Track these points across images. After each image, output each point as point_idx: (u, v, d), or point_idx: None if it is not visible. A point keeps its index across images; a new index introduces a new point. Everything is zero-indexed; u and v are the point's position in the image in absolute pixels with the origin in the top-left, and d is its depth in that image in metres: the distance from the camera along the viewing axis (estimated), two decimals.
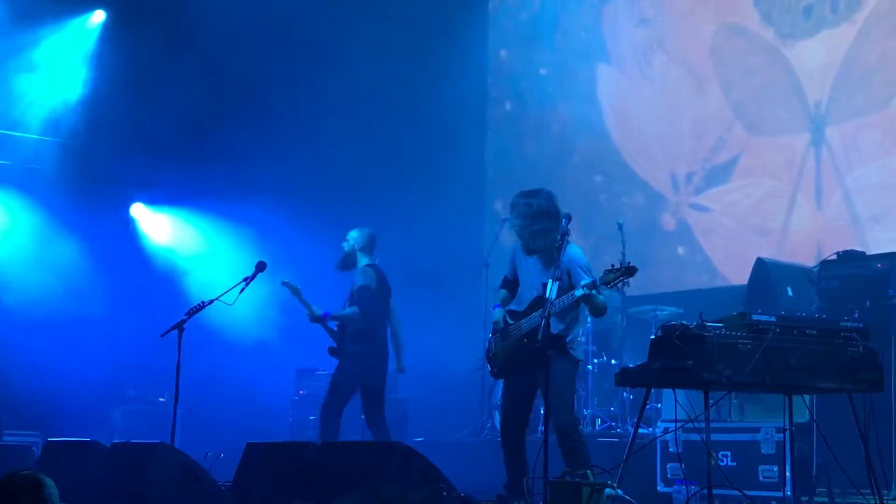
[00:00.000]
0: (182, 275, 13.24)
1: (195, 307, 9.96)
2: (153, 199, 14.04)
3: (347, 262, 10.25)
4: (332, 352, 10.11)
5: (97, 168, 13.18)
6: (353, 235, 10.25)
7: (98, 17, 13.57)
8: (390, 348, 10.04)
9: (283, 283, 10.21)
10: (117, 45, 13.19)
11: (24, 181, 13.05)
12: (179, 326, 9.74)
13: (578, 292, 7.40)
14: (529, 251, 7.84)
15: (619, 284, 7.43)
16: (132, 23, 13.21)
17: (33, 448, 10.20)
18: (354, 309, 9.96)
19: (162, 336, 10.22)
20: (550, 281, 7.31)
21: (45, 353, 12.30)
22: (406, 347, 10.18)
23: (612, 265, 7.33)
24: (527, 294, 7.89)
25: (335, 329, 10.11)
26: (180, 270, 13.23)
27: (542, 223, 7.69)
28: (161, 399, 12.59)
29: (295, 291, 10.17)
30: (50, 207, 13.11)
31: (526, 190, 8.03)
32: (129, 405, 13.18)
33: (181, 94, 13.09)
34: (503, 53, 14.93)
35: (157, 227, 14.14)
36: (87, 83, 13.18)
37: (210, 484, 8.27)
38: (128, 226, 14.03)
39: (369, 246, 10.20)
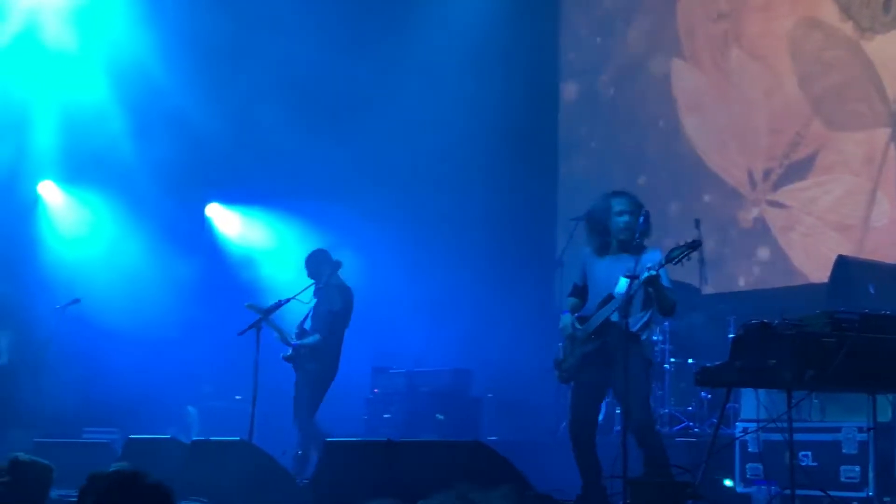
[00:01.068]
0: (258, 273, 13.34)
1: (272, 306, 10.07)
2: (229, 199, 14.16)
3: (319, 284, 10.56)
4: (287, 359, 10.37)
5: (175, 168, 13.32)
6: (311, 260, 10.65)
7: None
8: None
9: (248, 307, 10.43)
10: (193, 47, 13.33)
11: (104, 182, 13.23)
12: (257, 325, 9.85)
13: (644, 274, 7.25)
14: (618, 249, 7.71)
15: (685, 259, 7.27)
16: (205, 28, 13.35)
17: (114, 445, 10.31)
18: (316, 337, 10.38)
19: (240, 334, 10.33)
20: (624, 279, 7.24)
21: (122, 350, 12.46)
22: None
23: (678, 242, 7.23)
24: (598, 296, 7.80)
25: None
26: (256, 269, 13.32)
27: (637, 221, 7.60)
28: (237, 397, 12.67)
29: (261, 312, 10.30)
30: (128, 207, 13.28)
31: (617, 189, 7.97)
32: (206, 402, 13.30)
33: (255, 97, 13.25)
34: (575, 50, 14.85)
35: (233, 226, 14.26)
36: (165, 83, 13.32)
37: (288, 481, 8.34)
38: (203, 225, 14.17)
39: (328, 265, 10.53)
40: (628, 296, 7.16)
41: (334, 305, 10.37)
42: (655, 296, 7.47)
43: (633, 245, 7.52)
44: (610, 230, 7.75)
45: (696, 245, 7.13)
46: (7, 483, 5.23)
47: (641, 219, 7.50)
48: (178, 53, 13.23)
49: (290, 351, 10.40)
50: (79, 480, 4.82)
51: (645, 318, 7.61)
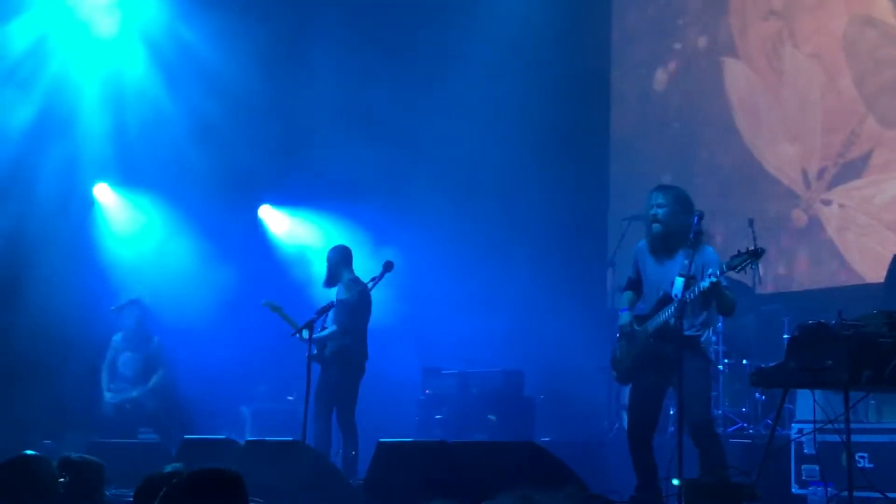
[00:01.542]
0: (309, 275, 13.39)
1: (324, 307, 10.11)
2: (281, 201, 14.23)
3: (332, 279, 10.55)
4: (312, 359, 10.24)
5: (228, 171, 13.43)
6: (330, 255, 10.65)
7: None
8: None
9: (264, 304, 10.73)
10: (249, 51, 13.44)
11: (158, 184, 13.35)
12: (309, 326, 9.89)
13: (706, 282, 7.22)
14: (668, 247, 7.67)
15: (748, 269, 7.23)
16: (261, 34, 13.46)
17: (168, 445, 10.38)
18: (333, 328, 10.35)
19: (292, 336, 10.38)
20: (679, 278, 7.20)
21: (175, 351, 12.55)
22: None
23: (739, 250, 7.18)
24: (652, 294, 7.75)
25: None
26: (307, 270, 13.36)
27: (686, 217, 7.55)
28: (289, 398, 12.74)
29: (276, 310, 10.58)
30: (181, 209, 13.39)
31: (663, 184, 7.92)
32: (259, 403, 13.37)
33: (307, 102, 13.34)
34: (627, 48, 14.79)
35: (285, 228, 14.33)
36: (217, 87, 13.42)
37: (342, 482, 8.36)
38: (256, 226, 14.25)
39: (346, 260, 10.54)
40: (684, 298, 7.11)
41: (349, 298, 10.36)
42: (716, 300, 7.42)
43: (684, 243, 7.47)
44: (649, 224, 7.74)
45: (759, 253, 7.07)
46: (62, 483, 5.29)
47: (696, 218, 7.45)
48: (234, 58, 13.33)
49: (314, 350, 10.39)
50: (133, 480, 4.88)
51: (702, 319, 7.56)
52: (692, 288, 7.21)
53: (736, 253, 7.15)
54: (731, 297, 7.47)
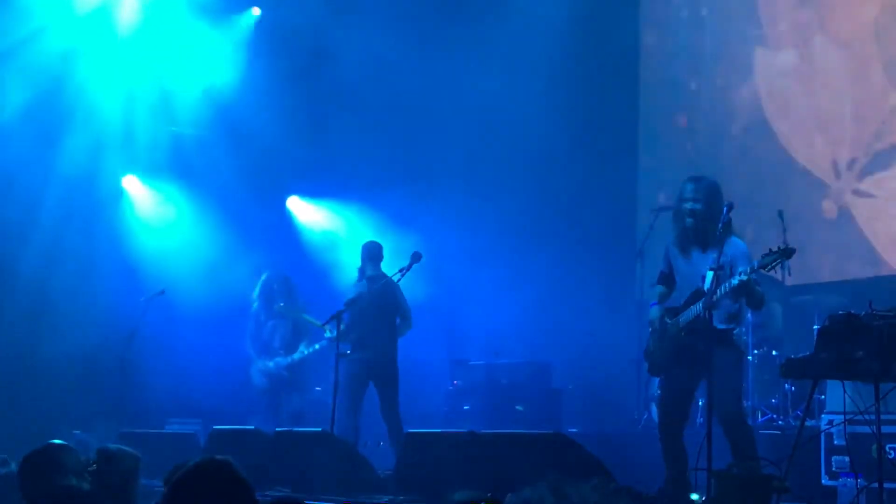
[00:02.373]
0: (338, 266, 13.41)
1: (353, 298, 10.11)
2: (309, 191, 14.26)
3: (360, 274, 10.66)
4: (341, 356, 10.26)
5: (256, 162, 13.47)
6: (361, 252, 10.74)
7: (254, 12, 13.87)
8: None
9: (279, 308, 11.11)
10: (270, 43, 13.48)
11: (186, 176, 13.40)
12: (338, 317, 9.89)
13: (735, 280, 7.19)
14: (700, 240, 7.62)
15: (778, 267, 7.19)
16: (282, 24, 13.50)
17: (197, 436, 10.43)
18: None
19: (322, 326, 10.41)
20: (710, 272, 7.17)
21: (205, 342, 12.60)
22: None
23: (770, 248, 7.13)
24: (685, 288, 7.73)
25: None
26: (337, 261, 13.38)
27: (717, 209, 7.50)
28: (317, 388, 12.76)
29: (290, 313, 10.92)
30: (210, 199, 13.43)
31: (693, 175, 7.86)
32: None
33: (335, 92, 13.37)
34: (655, 38, 14.72)
35: (314, 218, 14.36)
36: (245, 80, 13.46)
37: (371, 472, 8.38)
38: (284, 217, 14.28)
39: (369, 258, 10.61)
40: (714, 292, 7.07)
41: (360, 294, 10.40)
42: (745, 296, 7.38)
43: (714, 235, 7.43)
44: (682, 217, 7.68)
45: (789, 253, 7.01)
46: (96, 471, 5.32)
47: (725, 209, 7.41)
48: (261, 50, 13.37)
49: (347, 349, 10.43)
50: (163, 470, 4.89)
51: (733, 312, 7.53)
52: (722, 284, 7.17)
53: (767, 251, 7.10)
54: (761, 291, 7.45)
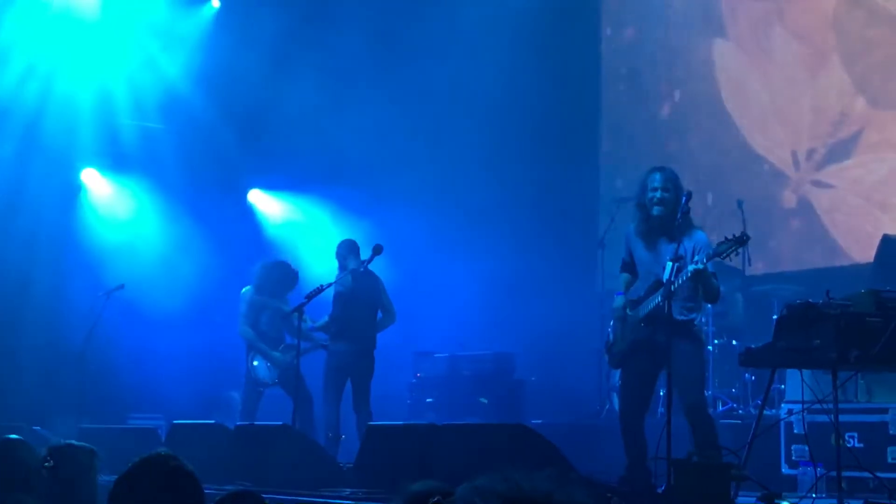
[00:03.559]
0: (299, 258, 13.38)
1: (314, 290, 10.07)
2: (271, 185, 14.20)
3: (341, 270, 10.50)
4: (324, 348, 10.50)
5: (216, 155, 13.41)
6: (337, 250, 10.58)
7: (214, 4, 13.80)
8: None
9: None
10: (230, 35, 13.40)
11: (147, 169, 13.32)
12: (299, 310, 9.85)
13: (691, 268, 7.19)
14: (660, 230, 7.63)
15: (734, 256, 7.21)
16: (246, 15, 13.42)
17: (158, 431, 10.38)
18: (325, 318, 10.54)
19: (283, 319, 10.37)
20: (669, 263, 7.18)
21: (166, 337, 12.53)
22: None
23: (726, 237, 7.15)
24: (645, 278, 7.75)
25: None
26: (297, 254, 13.34)
27: (680, 198, 7.51)
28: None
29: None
30: (170, 194, 13.36)
31: (656, 166, 7.87)
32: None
33: (292, 85, 13.31)
34: (616, 31, 14.75)
35: (275, 211, 14.31)
36: (203, 72, 13.39)
37: (333, 465, 8.37)
38: (246, 211, 14.22)
39: (349, 253, 10.45)
40: (672, 282, 7.08)
41: (343, 288, 10.37)
42: (701, 287, 7.39)
43: (674, 225, 7.45)
44: (647, 207, 7.68)
45: (743, 240, 7.01)
46: (51, 468, 5.26)
47: (684, 198, 7.43)
48: (220, 42, 13.30)
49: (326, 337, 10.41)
50: (124, 466, 4.85)
51: (692, 303, 7.54)
52: (681, 273, 7.17)
53: (723, 239, 7.11)
54: (716, 284, 7.43)
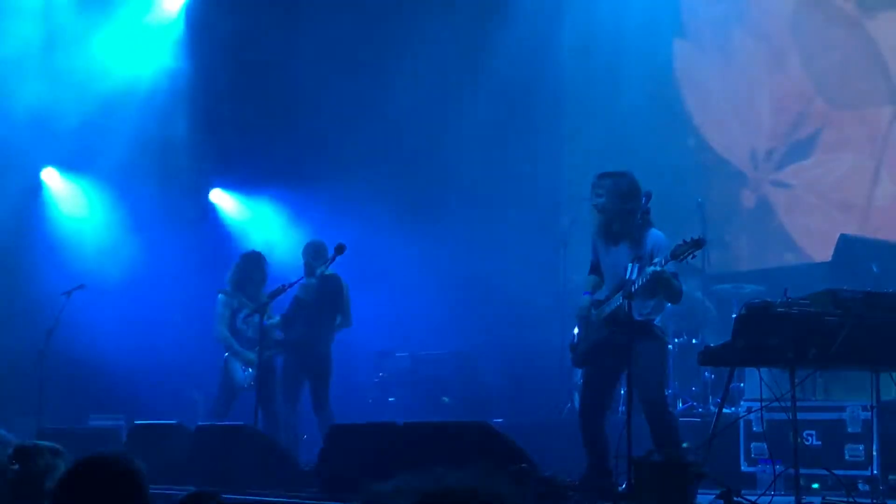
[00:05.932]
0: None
1: (276, 290, 10.05)
2: (233, 184, 14.16)
3: (308, 274, 10.41)
4: (281, 345, 10.54)
5: (177, 155, 13.35)
6: (304, 252, 10.54)
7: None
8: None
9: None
10: (196, 30, 13.37)
11: (106, 168, 13.24)
12: (261, 310, 9.83)
13: (649, 270, 7.23)
14: (614, 234, 7.69)
15: (690, 258, 7.26)
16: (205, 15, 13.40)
17: (119, 431, 10.34)
18: (276, 318, 10.50)
19: (244, 319, 10.35)
20: (630, 264, 7.22)
21: (128, 337, 12.47)
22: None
23: (684, 239, 7.20)
24: (609, 280, 7.79)
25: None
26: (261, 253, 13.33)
27: (630, 203, 7.57)
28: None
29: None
30: (131, 192, 13.29)
31: (609, 171, 7.93)
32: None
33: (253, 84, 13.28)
34: (578, 30, 14.77)
35: (236, 210, 14.26)
36: (164, 70, 13.34)
37: (294, 465, 8.36)
38: (208, 211, 14.16)
39: (316, 256, 10.38)
40: (633, 283, 7.12)
41: (307, 296, 10.34)
42: (662, 288, 7.43)
43: (624, 229, 7.52)
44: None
45: (700, 244, 7.05)
46: (17, 471, 5.23)
47: (643, 199, 7.49)
48: (184, 39, 13.27)
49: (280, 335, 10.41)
50: None
51: (653, 304, 7.58)
52: (642, 275, 7.22)
53: (681, 242, 7.16)
54: (678, 285, 7.46)
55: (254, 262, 10.94)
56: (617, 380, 7.89)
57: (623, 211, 7.57)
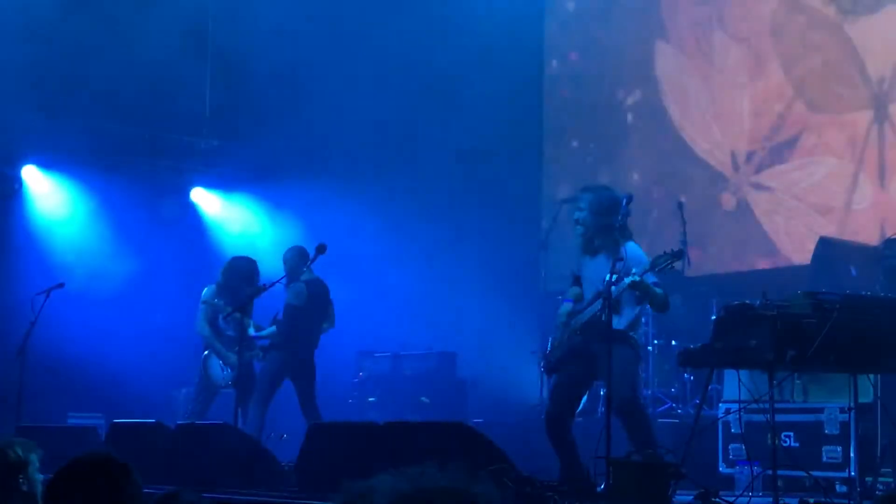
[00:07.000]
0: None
1: (256, 290, 10.04)
2: (213, 184, 14.13)
3: (292, 279, 10.34)
4: (263, 349, 10.49)
5: (161, 152, 13.33)
6: (287, 256, 10.45)
7: None
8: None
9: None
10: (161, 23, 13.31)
11: (86, 166, 13.19)
12: (242, 309, 9.82)
13: (627, 280, 7.24)
14: (593, 248, 7.74)
15: (668, 268, 7.31)
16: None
17: (98, 430, 10.29)
18: (272, 329, 10.41)
19: (224, 318, 10.34)
20: (608, 275, 7.24)
21: (107, 335, 12.42)
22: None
23: (664, 251, 7.25)
24: (588, 290, 7.81)
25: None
26: (243, 253, 13.30)
27: (610, 218, 7.60)
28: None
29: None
30: (111, 191, 13.24)
31: (589, 185, 8.01)
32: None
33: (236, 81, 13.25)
34: (560, 32, 14.82)
35: (218, 210, 14.23)
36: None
37: (274, 464, 8.35)
38: (189, 210, 14.13)
39: (301, 262, 10.32)
40: (609, 293, 7.13)
41: (298, 301, 10.32)
42: (645, 297, 7.47)
43: (604, 242, 7.57)
44: None
45: (679, 255, 7.14)
46: None
47: (624, 201, 7.52)
48: (161, 37, 13.21)
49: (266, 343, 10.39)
50: (62, 465, 4.81)
51: (633, 316, 7.60)
52: (619, 284, 7.25)
53: (661, 253, 7.20)
54: (662, 294, 7.49)
55: (246, 278, 10.66)
56: (587, 387, 7.95)
57: (603, 225, 7.62)
